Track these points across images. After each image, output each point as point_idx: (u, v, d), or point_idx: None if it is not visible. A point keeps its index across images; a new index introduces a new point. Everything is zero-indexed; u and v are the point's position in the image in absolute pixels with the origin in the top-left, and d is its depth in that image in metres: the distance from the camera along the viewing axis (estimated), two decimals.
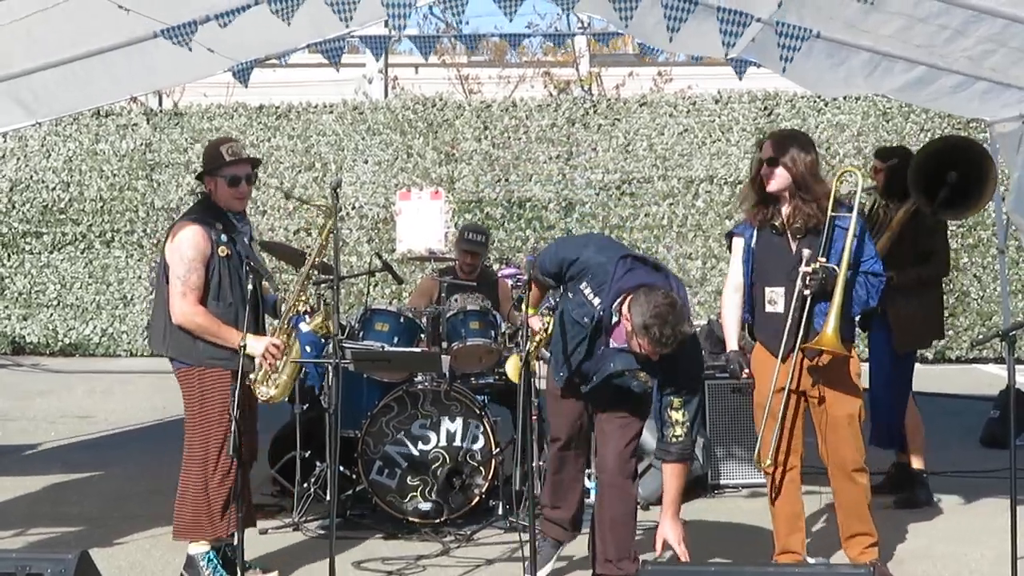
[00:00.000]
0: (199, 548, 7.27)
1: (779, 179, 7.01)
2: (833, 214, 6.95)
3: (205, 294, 7.17)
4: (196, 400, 7.22)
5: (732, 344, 7.34)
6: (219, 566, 7.24)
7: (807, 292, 6.90)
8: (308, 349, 8.12)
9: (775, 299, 7.07)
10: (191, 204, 17.06)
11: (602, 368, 6.85)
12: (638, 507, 7.14)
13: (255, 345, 7.08)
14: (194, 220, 7.26)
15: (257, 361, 7.12)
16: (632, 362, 6.74)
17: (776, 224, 7.08)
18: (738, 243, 7.28)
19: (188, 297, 7.12)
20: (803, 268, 6.89)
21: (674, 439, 6.73)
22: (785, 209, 7.05)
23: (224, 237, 7.22)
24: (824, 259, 6.90)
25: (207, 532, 7.23)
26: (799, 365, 7.06)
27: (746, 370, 7.20)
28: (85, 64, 8.69)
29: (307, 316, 7.49)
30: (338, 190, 7.04)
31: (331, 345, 7.22)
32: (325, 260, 8.04)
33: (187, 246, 7.15)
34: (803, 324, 6.95)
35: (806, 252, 6.91)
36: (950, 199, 8.68)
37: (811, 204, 6.97)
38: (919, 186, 8.70)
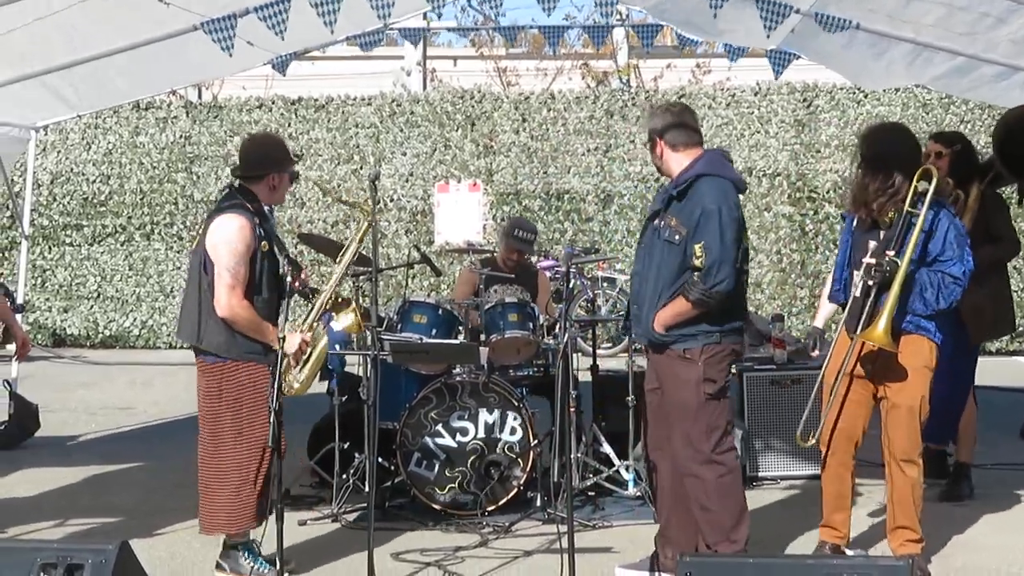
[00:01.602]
0: (237, 541, 7.30)
1: (877, 177, 7.12)
2: (910, 210, 7.04)
3: (248, 288, 7.11)
4: (231, 394, 7.16)
5: (817, 322, 7.51)
6: (259, 556, 7.27)
7: (870, 283, 7.01)
8: (338, 347, 8.14)
9: (856, 282, 7.20)
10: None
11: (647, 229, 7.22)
12: (730, 477, 7.07)
13: (291, 341, 7.08)
14: (241, 214, 7.18)
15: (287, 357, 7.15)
16: (659, 202, 7.15)
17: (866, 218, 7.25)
18: (845, 226, 7.46)
19: (237, 290, 7.05)
20: (866, 259, 7.02)
21: (693, 278, 6.85)
22: (878, 201, 7.15)
23: (262, 231, 7.20)
24: (893, 252, 6.98)
25: (242, 524, 7.27)
26: (858, 351, 7.16)
27: (816, 351, 7.20)
28: (126, 57, 8.74)
29: (334, 314, 7.50)
30: (376, 182, 7.04)
31: (369, 337, 7.23)
32: (363, 252, 8.03)
33: (238, 239, 7.08)
34: (867, 314, 7.05)
35: (872, 244, 7.04)
36: None
37: (896, 199, 7.10)
38: (1010, 160, 8.74)
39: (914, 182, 7.10)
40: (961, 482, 9.07)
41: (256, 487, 7.18)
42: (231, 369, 7.14)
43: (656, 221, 7.10)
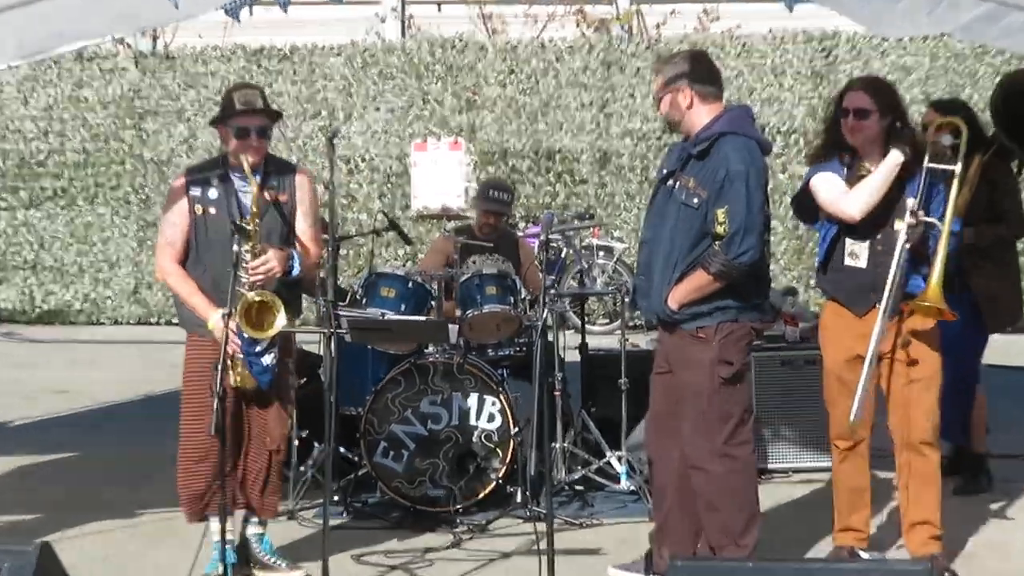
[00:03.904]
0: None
1: (868, 131, 7.06)
2: (930, 165, 7.02)
3: (186, 255, 7.20)
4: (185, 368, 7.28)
5: None
6: (222, 553, 7.10)
7: (907, 245, 6.95)
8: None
9: (857, 252, 7.14)
10: (183, 156, 17.04)
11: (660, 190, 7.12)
12: (743, 475, 7.00)
13: (217, 322, 6.99)
14: (185, 172, 7.36)
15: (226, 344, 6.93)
16: (673, 161, 7.02)
17: (863, 175, 7.11)
18: (832, 177, 7.17)
19: (163, 252, 7.25)
20: (908, 219, 6.92)
21: (714, 247, 6.76)
22: (869, 159, 7.11)
23: (215, 194, 7.14)
24: (923, 213, 6.96)
25: (187, 512, 7.31)
26: (890, 326, 7.08)
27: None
28: (66, 1, 8.63)
29: (245, 331, 7.17)
30: (336, 140, 6.96)
31: (326, 312, 7.17)
32: (324, 218, 7.95)
33: (169, 199, 7.28)
34: (898, 282, 6.99)
35: (911, 202, 6.95)
36: None
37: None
38: (1005, 127, 8.73)
39: (931, 135, 7.20)
40: (978, 475, 9.03)
41: (191, 476, 7.19)
42: (187, 341, 7.28)
43: (670, 182, 6.99)
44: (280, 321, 6.85)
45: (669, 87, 7.01)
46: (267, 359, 7.02)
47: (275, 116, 7.51)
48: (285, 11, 10.73)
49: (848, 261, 7.16)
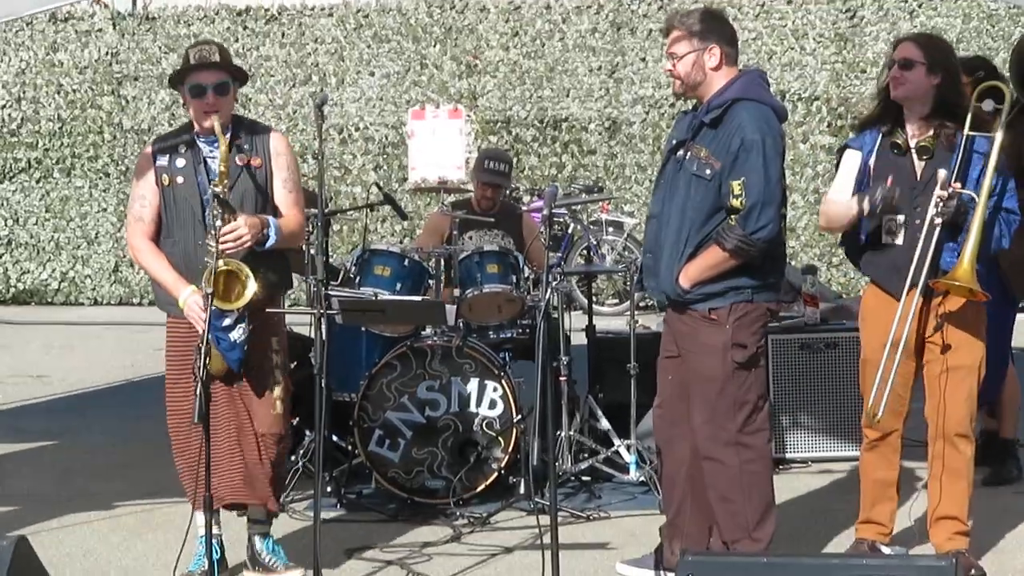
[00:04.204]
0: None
1: (911, 86, 7.02)
2: (971, 134, 6.97)
3: (159, 230, 7.16)
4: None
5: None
6: (208, 548, 7.10)
7: (939, 220, 6.88)
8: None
9: (894, 228, 7.09)
10: (165, 124, 17.02)
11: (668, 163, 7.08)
12: (759, 464, 7.00)
13: (188, 299, 7.00)
14: (153, 141, 7.36)
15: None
16: (683, 130, 6.97)
17: (898, 142, 7.09)
18: (852, 157, 7.24)
19: (133, 229, 7.21)
20: (938, 191, 6.85)
21: (729, 222, 6.74)
22: (912, 125, 7.09)
23: (181, 162, 7.10)
24: (959, 185, 6.89)
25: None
26: (924, 308, 7.07)
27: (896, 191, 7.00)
28: None
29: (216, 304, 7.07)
30: (324, 107, 6.95)
31: (314, 292, 7.18)
32: (313, 190, 7.98)
33: (135, 171, 7.32)
34: (930, 260, 6.94)
35: (942, 173, 6.88)
36: None
37: (947, 121, 7.02)
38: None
39: (973, 101, 7.08)
40: (1007, 461, 9.04)
41: (182, 467, 7.20)
42: (167, 325, 7.28)
43: (680, 153, 6.96)
44: (250, 290, 6.80)
45: (694, 44, 6.90)
46: (235, 334, 6.93)
47: (238, 73, 7.35)
48: None
49: (886, 238, 7.13)
